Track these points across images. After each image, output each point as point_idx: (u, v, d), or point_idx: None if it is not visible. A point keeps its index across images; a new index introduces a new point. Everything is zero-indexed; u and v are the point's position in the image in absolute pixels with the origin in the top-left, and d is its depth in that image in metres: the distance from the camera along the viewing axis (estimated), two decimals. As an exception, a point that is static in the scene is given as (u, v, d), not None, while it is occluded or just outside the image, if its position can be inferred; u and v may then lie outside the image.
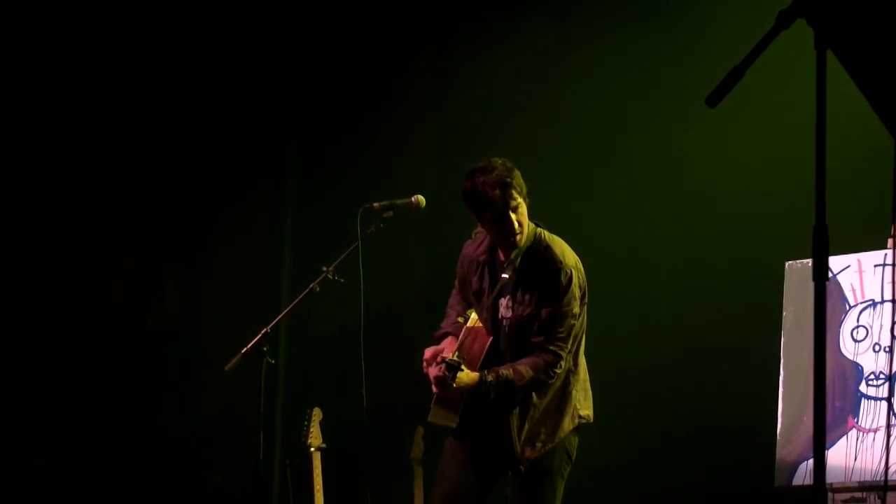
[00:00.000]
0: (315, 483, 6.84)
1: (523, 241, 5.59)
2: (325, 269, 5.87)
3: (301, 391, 8.49)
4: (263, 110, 8.93)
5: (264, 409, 5.80)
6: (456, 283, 5.95)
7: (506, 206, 5.50)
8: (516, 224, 5.54)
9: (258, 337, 5.78)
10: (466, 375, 5.49)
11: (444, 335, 5.71)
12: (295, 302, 5.96)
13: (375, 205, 5.88)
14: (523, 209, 5.57)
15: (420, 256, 8.41)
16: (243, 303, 8.65)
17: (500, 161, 5.57)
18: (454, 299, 5.96)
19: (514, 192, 5.51)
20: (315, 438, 6.90)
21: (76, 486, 8.42)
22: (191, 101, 8.82)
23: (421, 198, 5.90)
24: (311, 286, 5.88)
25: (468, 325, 5.69)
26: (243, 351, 5.77)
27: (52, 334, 8.50)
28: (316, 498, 6.83)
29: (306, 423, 6.92)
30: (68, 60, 8.53)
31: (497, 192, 5.48)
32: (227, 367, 5.80)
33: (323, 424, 6.94)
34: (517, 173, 5.56)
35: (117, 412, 8.59)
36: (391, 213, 5.87)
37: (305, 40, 8.90)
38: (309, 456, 6.90)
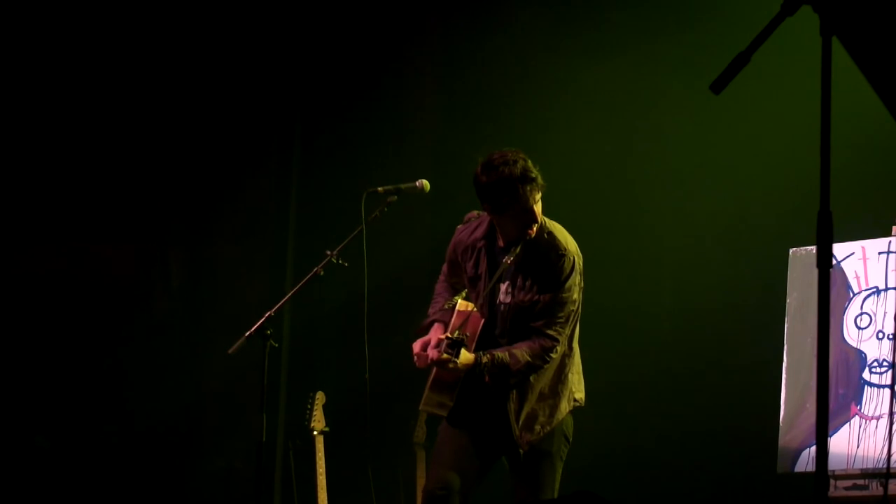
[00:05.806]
0: (318, 466, 6.85)
1: (535, 232, 5.55)
2: (329, 252, 5.86)
3: (304, 375, 8.49)
4: (268, 96, 8.92)
5: (267, 393, 5.80)
6: (445, 268, 5.88)
7: (533, 201, 5.43)
8: (539, 216, 5.50)
9: (262, 320, 5.77)
10: (465, 356, 5.43)
11: (431, 323, 5.64)
12: (299, 285, 5.95)
13: (380, 189, 5.87)
14: (540, 203, 5.54)
15: (424, 241, 8.40)
16: (247, 286, 8.66)
17: (513, 151, 5.45)
18: (441, 286, 5.90)
19: (536, 186, 5.44)
20: (318, 422, 6.91)
21: (79, 467, 8.44)
22: (197, 87, 8.81)
23: (425, 182, 5.87)
24: (315, 270, 5.87)
25: (458, 309, 5.65)
26: (247, 334, 5.77)
27: (58, 315, 8.51)
28: (319, 481, 6.84)
29: (309, 406, 6.93)
30: (80, 49, 8.53)
31: (528, 187, 5.40)
32: (230, 351, 5.80)
33: (326, 408, 6.95)
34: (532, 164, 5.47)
35: (121, 395, 8.60)
36: (395, 197, 5.85)
37: (310, 27, 8.89)
38: (312, 439, 6.91)
